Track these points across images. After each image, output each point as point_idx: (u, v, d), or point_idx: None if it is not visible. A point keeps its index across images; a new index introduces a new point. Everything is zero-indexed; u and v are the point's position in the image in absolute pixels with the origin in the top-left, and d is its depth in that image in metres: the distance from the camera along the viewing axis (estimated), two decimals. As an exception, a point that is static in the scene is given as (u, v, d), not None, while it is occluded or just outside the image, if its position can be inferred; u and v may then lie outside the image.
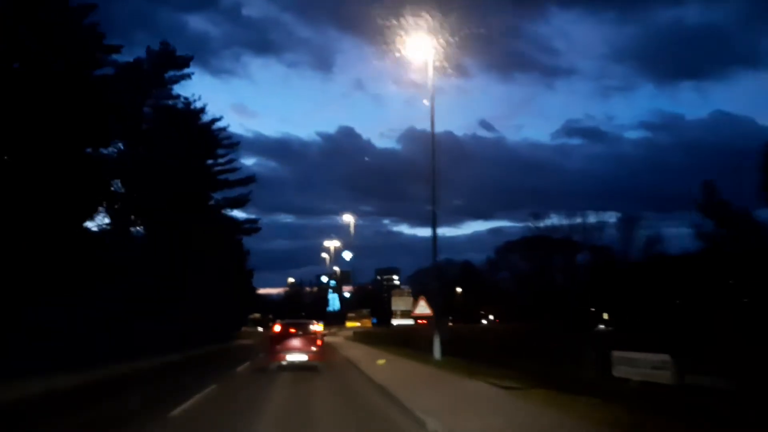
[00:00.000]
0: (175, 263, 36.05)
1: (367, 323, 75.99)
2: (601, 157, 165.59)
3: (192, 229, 37.86)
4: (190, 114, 41.58)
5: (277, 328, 19.73)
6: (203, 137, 43.30)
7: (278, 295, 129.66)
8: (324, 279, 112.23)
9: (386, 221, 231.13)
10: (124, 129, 32.28)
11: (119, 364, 22.44)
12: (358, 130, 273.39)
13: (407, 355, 22.49)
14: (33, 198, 24.37)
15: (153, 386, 15.82)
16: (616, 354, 10.22)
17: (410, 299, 27.87)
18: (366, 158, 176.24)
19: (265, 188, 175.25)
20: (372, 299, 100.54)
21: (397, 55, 18.95)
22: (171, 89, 39.52)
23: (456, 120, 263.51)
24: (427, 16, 19.83)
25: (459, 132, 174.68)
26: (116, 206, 33.55)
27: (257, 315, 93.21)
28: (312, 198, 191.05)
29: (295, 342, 18.61)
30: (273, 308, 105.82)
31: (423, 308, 21.23)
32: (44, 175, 23.59)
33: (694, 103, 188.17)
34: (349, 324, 77.21)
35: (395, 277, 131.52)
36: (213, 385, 14.47)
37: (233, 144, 48.25)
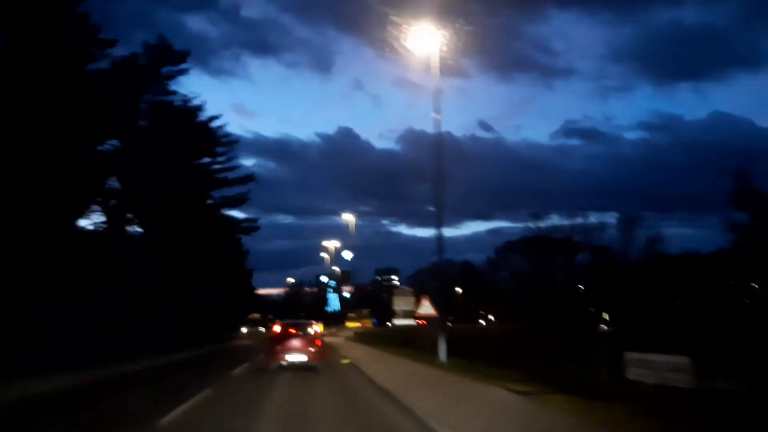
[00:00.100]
0: (175, 263, 35.80)
1: (368, 323, 75.69)
2: (600, 157, 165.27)
3: (191, 228, 37.58)
4: (188, 111, 41.03)
5: (277, 328, 19.92)
6: (201, 135, 42.77)
7: (278, 295, 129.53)
8: (324, 279, 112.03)
9: (385, 221, 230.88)
10: (120, 125, 31.65)
11: (118, 364, 22.16)
12: (357, 130, 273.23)
13: (411, 356, 22.00)
14: (32, 197, 24.20)
15: (147, 389, 15.27)
16: (630, 356, 9.95)
17: (412, 299, 27.60)
18: (365, 159, 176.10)
19: (264, 189, 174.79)
20: (372, 299, 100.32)
21: (400, 52, 18.61)
22: (168, 85, 38.60)
23: (455, 120, 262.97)
24: (430, 15, 19.55)
25: (458, 132, 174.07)
26: (112, 204, 32.99)
27: (257, 315, 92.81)
28: (311, 198, 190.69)
29: (295, 342, 18.74)
30: (273, 308, 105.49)
31: (427, 308, 20.74)
32: (43, 173, 23.37)
33: (693, 103, 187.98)
34: (349, 324, 76.90)
35: (395, 277, 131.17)
36: (208, 389, 13.85)
37: (232, 142, 47.68)
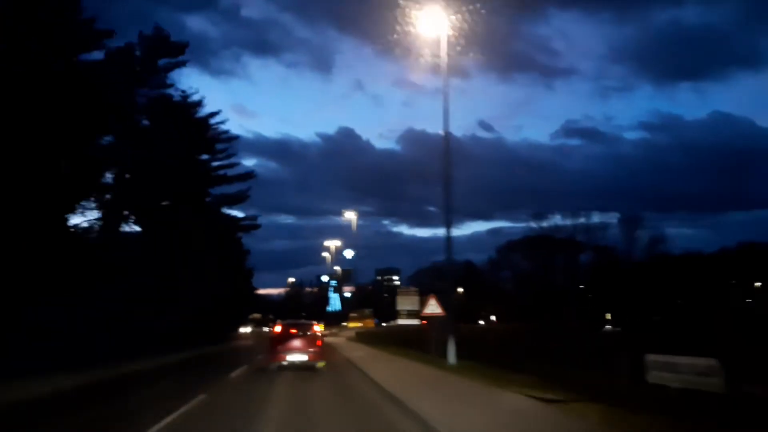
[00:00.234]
0: (174, 262, 35.40)
1: (370, 323, 75.15)
2: (600, 157, 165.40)
3: (190, 226, 37.12)
4: (187, 107, 40.46)
5: (278, 328, 20.26)
6: (200, 131, 42.29)
7: (278, 295, 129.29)
8: (324, 278, 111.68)
9: (386, 222, 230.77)
10: (116, 120, 30.79)
11: (117, 365, 21.80)
12: (358, 130, 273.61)
13: (417, 358, 21.29)
14: (31, 196, 23.96)
15: (138, 394, 14.48)
16: (652, 358, 9.54)
17: (416, 298, 27.23)
18: (365, 159, 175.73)
19: (264, 189, 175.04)
20: (373, 299, 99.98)
21: (406, 36, 18.16)
22: (165, 78, 37.13)
23: (455, 120, 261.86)
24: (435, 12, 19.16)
25: (458, 132, 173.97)
26: (110, 202, 32.22)
27: (257, 315, 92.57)
28: (312, 198, 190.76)
29: (296, 342, 18.92)
30: (273, 309, 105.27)
31: (434, 307, 20.18)
32: (42, 172, 23.11)
33: (693, 103, 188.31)
34: (351, 324, 76.38)
35: (395, 277, 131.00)
36: (202, 395, 12.90)
37: (231, 138, 47.13)
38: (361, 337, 49.93)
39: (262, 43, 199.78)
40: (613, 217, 73.92)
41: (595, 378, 11.63)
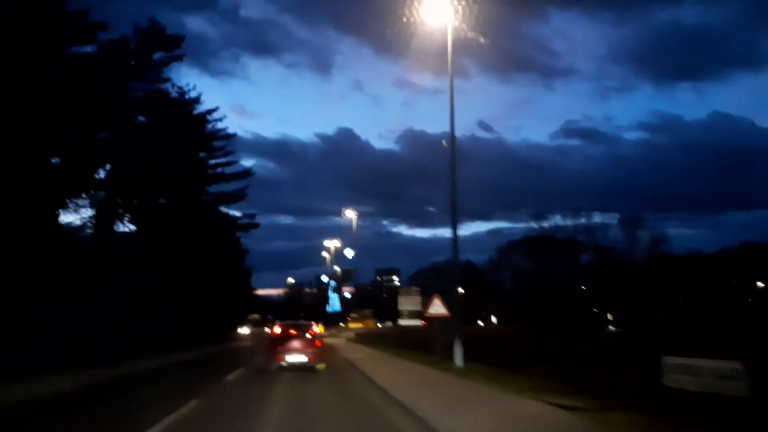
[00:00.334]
0: (173, 261, 35.13)
1: (371, 324, 74.72)
2: (600, 157, 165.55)
3: (188, 225, 36.83)
4: (184, 104, 39.97)
5: (277, 329, 20.29)
6: (198, 128, 41.84)
7: (278, 296, 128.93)
8: (324, 279, 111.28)
9: (385, 222, 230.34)
10: (110, 115, 30.03)
11: (114, 366, 21.43)
12: (357, 131, 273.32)
13: (421, 360, 20.63)
14: (29, 194, 23.77)
15: (127, 399, 13.72)
16: (670, 360, 9.24)
17: (419, 298, 26.85)
18: (364, 159, 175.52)
19: (264, 189, 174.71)
20: (373, 300, 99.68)
21: (413, 23, 17.82)
22: (161, 72, 36.05)
23: (455, 120, 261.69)
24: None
25: (458, 133, 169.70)
26: (106, 200, 31.75)
27: (257, 315, 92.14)
28: (311, 199, 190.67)
29: (295, 343, 19.02)
30: (273, 309, 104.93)
31: (438, 308, 19.77)
32: (37, 169, 22.92)
33: (693, 103, 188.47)
34: (352, 325, 75.88)
35: (395, 277, 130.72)
36: (194, 401, 12.03)
37: (228, 136, 46.79)
38: (362, 338, 49.51)
39: (262, 43, 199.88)
40: (613, 218, 73.75)
41: (610, 381, 11.27)
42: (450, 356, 17.64)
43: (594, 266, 76.00)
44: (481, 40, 17.26)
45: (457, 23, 17.54)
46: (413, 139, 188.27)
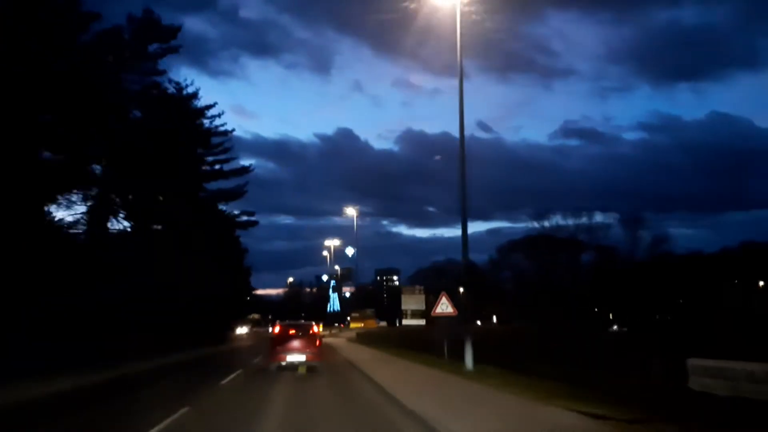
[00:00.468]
0: (171, 260, 34.50)
1: (372, 324, 74.04)
2: (599, 157, 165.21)
3: (185, 222, 36.20)
4: (182, 99, 39.19)
5: (277, 329, 20.56)
6: (195, 123, 41.09)
7: (278, 296, 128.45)
8: (324, 278, 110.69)
9: (385, 222, 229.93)
10: (104, 108, 28.73)
11: (113, 367, 20.97)
12: (356, 131, 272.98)
13: (428, 362, 19.79)
14: (25, 193, 23.46)
15: (115, 405, 13.02)
16: (694, 362, 8.68)
17: (422, 297, 26.28)
18: (364, 160, 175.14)
19: (263, 189, 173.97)
20: (373, 299, 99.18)
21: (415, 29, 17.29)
22: (156, 64, 34.46)
23: (454, 121, 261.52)
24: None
25: (457, 133, 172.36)
26: (96, 194, 30.77)
27: (256, 315, 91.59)
28: (311, 199, 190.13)
29: (295, 343, 19.10)
30: (273, 309, 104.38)
31: (445, 306, 19.05)
32: (30, 165, 22.52)
33: (692, 104, 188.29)
34: (353, 325, 75.19)
35: (395, 277, 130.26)
36: (184, 408, 11.16)
37: (227, 132, 45.92)
38: (363, 338, 48.85)
39: (261, 43, 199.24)
40: (612, 218, 73.20)
41: (630, 383, 10.62)
42: (456, 357, 16.97)
43: (595, 266, 75.52)
44: (488, 24, 16.62)
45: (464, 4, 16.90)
46: (413, 139, 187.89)
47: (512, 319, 78.23)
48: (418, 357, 22.48)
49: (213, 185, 47.38)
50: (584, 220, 72.11)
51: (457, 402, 11.22)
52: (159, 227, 37.63)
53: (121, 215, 33.95)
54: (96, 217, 30.80)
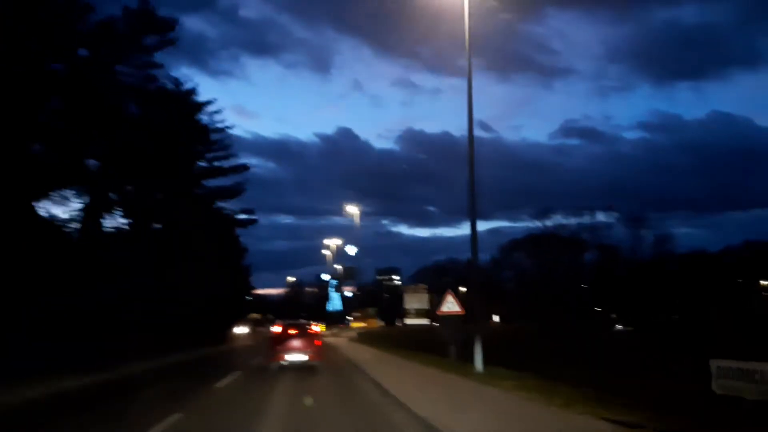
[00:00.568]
0: (170, 259, 34.16)
1: (374, 323, 73.58)
2: (600, 157, 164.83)
3: (184, 220, 35.81)
4: (180, 95, 38.55)
5: (277, 329, 20.68)
6: (193, 118, 40.60)
7: (278, 295, 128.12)
8: (325, 277, 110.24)
9: (385, 222, 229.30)
10: (98, 101, 27.75)
11: (111, 367, 20.51)
12: (356, 130, 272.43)
13: (434, 363, 18.99)
14: (28, 192, 23.27)
15: (104, 410, 12.34)
16: (720, 364, 8.32)
17: (425, 296, 25.79)
18: (364, 159, 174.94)
19: (264, 189, 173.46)
20: (373, 299, 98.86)
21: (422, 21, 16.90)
22: (152, 57, 33.11)
23: (453, 120, 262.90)
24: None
25: (457, 132, 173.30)
26: (91, 190, 30.05)
27: (256, 315, 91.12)
28: (311, 198, 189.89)
29: (295, 342, 19.26)
30: (273, 309, 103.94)
31: (451, 305, 18.52)
32: (25, 162, 22.30)
33: (692, 103, 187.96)
34: (354, 324, 74.76)
35: (396, 277, 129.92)
36: (177, 414, 10.46)
37: (225, 128, 45.09)
38: (365, 338, 48.45)
39: (261, 43, 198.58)
40: (612, 217, 72.91)
41: (652, 386, 10.16)
42: (462, 357, 16.57)
43: (597, 265, 75.31)
44: (503, 16, 16.25)
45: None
46: (413, 138, 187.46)
47: (514, 318, 77.94)
48: (424, 358, 21.91)
49: (212, 183, 46.90)
50: (586, 219, 71.89)
51: (475, 408, 10.29)
52: (158, 226, 37.27)
53: (118, 213, 33.47)
54: (93, 214, 30.31)
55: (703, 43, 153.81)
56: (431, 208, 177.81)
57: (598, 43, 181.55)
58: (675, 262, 71.25)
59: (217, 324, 49.32)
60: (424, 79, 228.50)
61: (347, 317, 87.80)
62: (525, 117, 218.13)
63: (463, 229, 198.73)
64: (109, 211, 32.55)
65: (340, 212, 68.71)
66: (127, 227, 34.46)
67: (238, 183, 47.53)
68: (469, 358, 16.80)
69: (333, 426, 10.00)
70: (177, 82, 37.74)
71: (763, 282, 72.33)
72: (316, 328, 21.32)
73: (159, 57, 33.89)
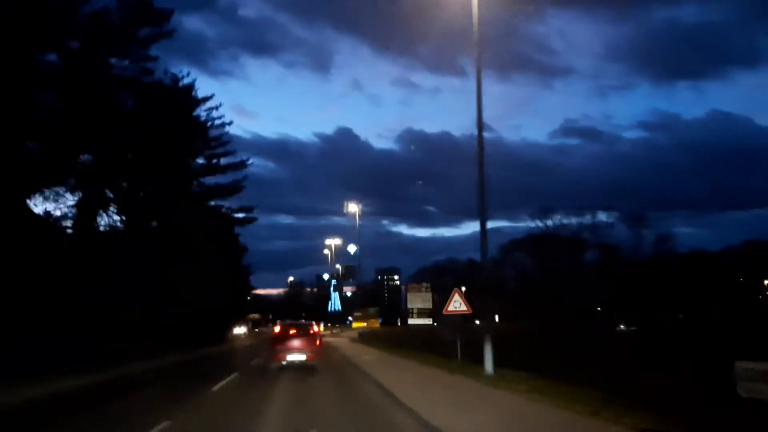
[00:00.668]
0: (169, 258, 33.82)
1: (375, 323, 73.24)
2: (599, 156, 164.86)
3: (182, 218, 35.43)
4: (178, 90, 38.06)
5: (277, 329, 20.88)
6: (191, 113, 40.18)
7: (278, 295, 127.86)
8: (325, 277, 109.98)
9: (385, 221, 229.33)
10: (93, 95, 27.22)
11: (111, 368, 20.41)
12: (356, 130, 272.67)
13: (440, 365, 18.37)
14: (25, 191, 23.04)
15: (94, 415, 11.75)
16: (745, 366, 8.00)
17: (429, 295, 25.43)
18: (364, 159, 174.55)
19: (263, 189, 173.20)
20: (374, 299, 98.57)
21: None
22: (148, 50, 32.30)
23: (453, 120, 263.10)
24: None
25: (457, 132, 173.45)
26: (87, 187, 29.54)
27: (256, 315, 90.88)
28: (311, 198, 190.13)
29: (295, 342, 19.34)
30: (273, 309, 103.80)
31: (458, 304, 18.02)
32: (19, 159, 22.08)
33: (691, 102, 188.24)
34: (355, 324, 74.37)
35: (396, 277, 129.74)
36: (166, 422, 9.77)
37: (224, 125, 44.61)
38: (366, 338, 48.00)
39: (260, 43, 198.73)
40: (611, 216, 72.70)
41: (674, 389, 9.73)
42: (468, 358, 16.21)
43: (598, 265, 75.10)
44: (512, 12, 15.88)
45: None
46: (412, 138, 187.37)
47: (515, 318, 77.65)
48: (428, 359, 21.42)
49: (210, 180, 46.33)
50: (587, 218, 71.70)
51: (494, 418, 9.40)
52: (157, 225, 36.90)
53: (113, 210, 33.00)
54: (87, 211, 29.82)
55: (703, 42, 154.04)
56: (430, 208, 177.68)
57: (598, 43, 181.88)
58: (676, 261, 71.07)
59: (216, 324, 49.00)
60: (423, 79, 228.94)
61: (348, 317, 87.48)
62: (525, 117, 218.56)
63: (463, 229, 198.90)
64: (105, 208, 32.05)
65: (340, 212, 68.49)
66: (122, 225, 34.04)
67: (237, 180, 46.99)
68: (473, 359, 16.47)
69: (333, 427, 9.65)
70: (175, 78, 37.23)
71: (765, 282, 72.21)
72: (316, 328, 21.06)
73: (157, 54, 33.56)
